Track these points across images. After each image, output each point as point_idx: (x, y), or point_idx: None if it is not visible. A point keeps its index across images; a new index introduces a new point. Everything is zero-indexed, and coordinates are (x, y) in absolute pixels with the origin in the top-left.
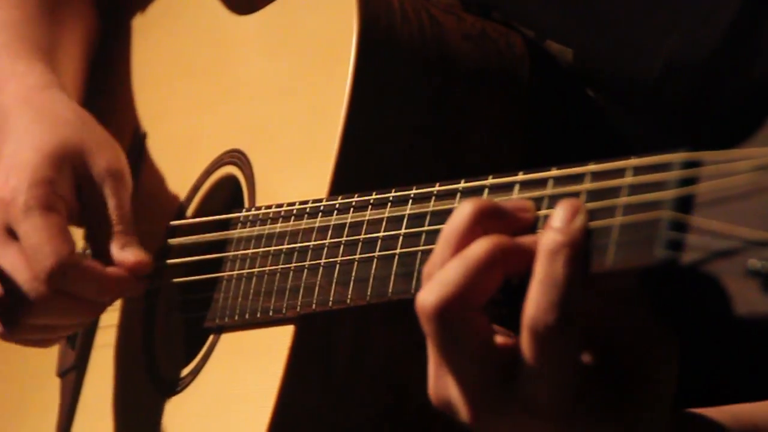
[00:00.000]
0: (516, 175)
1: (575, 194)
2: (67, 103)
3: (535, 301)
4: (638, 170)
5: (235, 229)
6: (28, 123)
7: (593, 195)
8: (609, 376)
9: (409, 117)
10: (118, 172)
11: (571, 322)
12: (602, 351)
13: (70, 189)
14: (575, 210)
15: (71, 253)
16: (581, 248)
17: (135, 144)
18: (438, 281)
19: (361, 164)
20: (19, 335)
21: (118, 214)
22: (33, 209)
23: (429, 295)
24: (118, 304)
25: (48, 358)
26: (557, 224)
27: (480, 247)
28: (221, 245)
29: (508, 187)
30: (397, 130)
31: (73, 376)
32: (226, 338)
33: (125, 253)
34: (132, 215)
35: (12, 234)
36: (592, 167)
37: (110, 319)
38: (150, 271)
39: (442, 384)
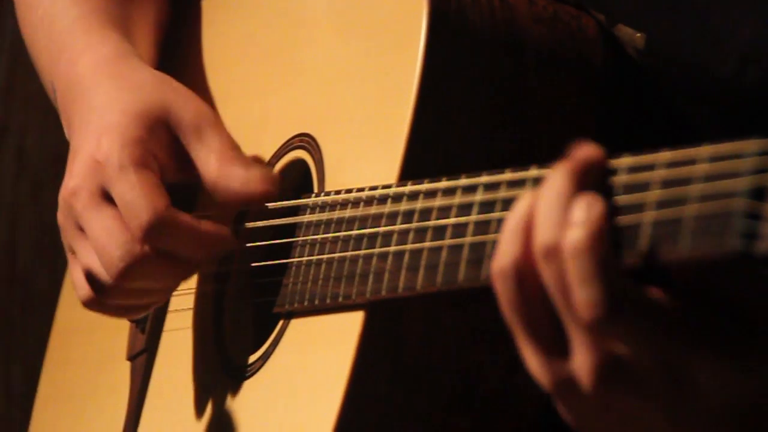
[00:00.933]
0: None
1: (646, 183)
2: (143, 67)
3: (578, 301)
4: (712, 159)
5: (305, 213)
6: (108, 91)
7: (666, 184)
8: (724, 330)
9: (480, 101)
10: (210, 115)
11: (617, 312)
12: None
13: (163, 148)
14: (589, 204)
15: (167, 208)
16: (603, 241)
17: None
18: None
19: (431, 149)
20: (112, 301)
21: (230, 146)
22: (127, 167)
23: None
24: (188, 289)
25: (117, 342)
26: (576, 220)
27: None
28: (290, 230)
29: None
30: (467, 114)
31: (143, 360)
32: (296, 324)
33: (252, 172)
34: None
35: (107, 197)
36: (666, 155)
37: (180, 303)
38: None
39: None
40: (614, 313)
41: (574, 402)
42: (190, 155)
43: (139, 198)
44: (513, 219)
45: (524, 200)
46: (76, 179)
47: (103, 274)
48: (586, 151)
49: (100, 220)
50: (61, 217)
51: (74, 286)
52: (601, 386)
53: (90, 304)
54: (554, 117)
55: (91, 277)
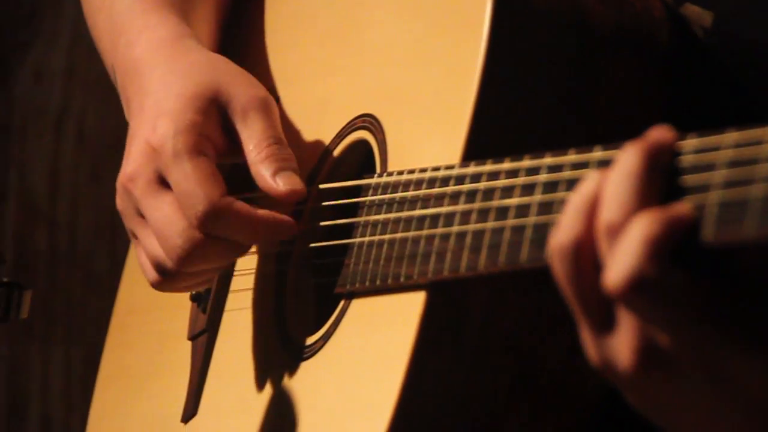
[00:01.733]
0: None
1: (712, 164)
2: (199, 49)
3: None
4: None
5: (367, 194)
6: (163, 74)
7: (732, 164)
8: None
9: (544, 82)
10: (260, 98)
11: (657, 296)
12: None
13: (217, 130)
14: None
15: (222, 196)
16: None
17: None
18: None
19: (494, 129)
20: (179, 284)
21: (267, 135)
22: (181, 155)
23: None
24: (249, 269)
25: (178, 322)
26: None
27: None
28: (352, 210)
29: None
30: (531, 95)
31: (204, 340)
32: (357, 304)
33: (278, 181)
34: (285, 140)
35: (165, 183)
36: (732, 136)
37: (241, 283)
38: (302, 198)
39: (600, 343)
40: (636, 292)
41: (619, 383)
42: (237, 137)
43: (194, 187)
44: (578, 197)
45: (591, 179)
46: (133, 165)
47: (167, 260)
48: (660, 132)
49: (158, 207)
50: (120, 202)
51: (142, 270)
52: (640, 369)
53: (159, 287)
54: (620, 97)
55: (156, 262)
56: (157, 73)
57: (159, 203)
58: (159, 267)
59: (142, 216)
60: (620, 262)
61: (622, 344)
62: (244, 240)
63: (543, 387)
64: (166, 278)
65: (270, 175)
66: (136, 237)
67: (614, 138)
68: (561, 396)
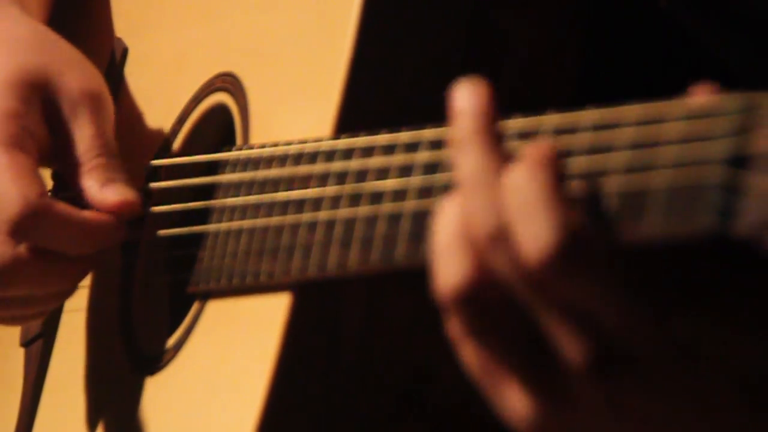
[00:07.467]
0: (545, 115)
1: (608, 147)
2: (22, 20)
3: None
4: (688, 117)
5: (224, 171)
6: None
7: (633, 146)
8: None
9: (434, 38)
10: (94, 93)
11: (574, 246)
12: None
13: (39, 122)
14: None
15: (41, 196)
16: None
17: (113, 65)
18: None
19: (372, 94)
20: None
21: (98, 144)
22: None
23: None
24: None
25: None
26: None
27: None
28: (211, 190)
29: (534, 133)
30: (418, 54)
31: (39, 346)
32: (213, 307)
33: (106, 192)
34: (115, 145)
35: None
36: (635, 111)
37: (84, 279)
38: (139, 213)
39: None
40: (571, 248)
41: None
42: (64, 136)
43: (7, 185)
44: (446, 228)
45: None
46: None
47: None
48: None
49: None
50: None
51: None
52: (602, 381)
53: None
54: (523, 55)
55: None
56: None
57: None
58: None
59: None
60: (538, 219)
61: (571, 361)
62: (71, 248)
63: (434, 409)
64: None
65: (98, 187)
66: None
67: (516, 106)
68: (456, 420)
